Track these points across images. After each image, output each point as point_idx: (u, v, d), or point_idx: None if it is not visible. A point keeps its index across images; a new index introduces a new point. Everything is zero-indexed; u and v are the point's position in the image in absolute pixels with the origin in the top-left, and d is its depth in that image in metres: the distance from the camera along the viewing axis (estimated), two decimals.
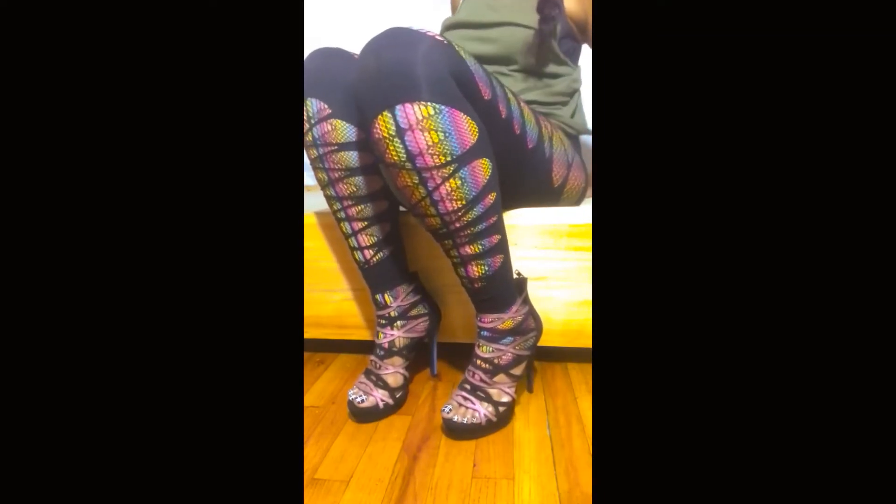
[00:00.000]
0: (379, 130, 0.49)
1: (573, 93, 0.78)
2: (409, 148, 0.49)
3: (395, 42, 0.48)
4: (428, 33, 0.50)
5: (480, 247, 0.57)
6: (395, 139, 0.49)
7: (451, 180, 0.51)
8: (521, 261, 0.76)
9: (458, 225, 0.55)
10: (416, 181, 0.51)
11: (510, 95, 0.60)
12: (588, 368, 0.81)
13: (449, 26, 0.80)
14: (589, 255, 0.74)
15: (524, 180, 0.68)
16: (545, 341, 0.77)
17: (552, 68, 0.75)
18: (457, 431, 0.62)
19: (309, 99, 0.62)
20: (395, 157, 0.50)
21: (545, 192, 0.73)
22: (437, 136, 0.48)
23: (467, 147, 0.50)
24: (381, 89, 0.47)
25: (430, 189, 0.52)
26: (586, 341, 0.77)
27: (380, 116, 0.48)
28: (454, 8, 0.95)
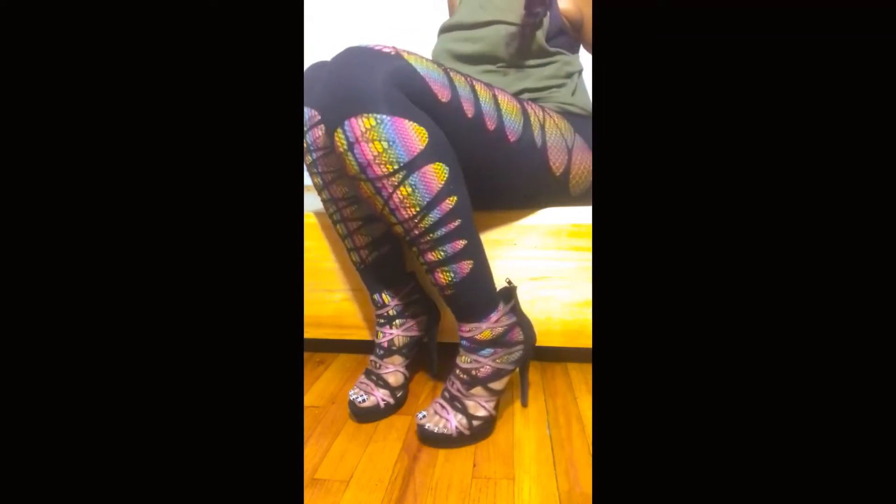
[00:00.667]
0: (337, 146, 0.52)
1: (570, 75, 0.76)
2: (359, 160, 0.51)
3: (345, 62, 0.51)
4: (377, 48, 0.52)
5: (443, 253, 0.56)
6: (349, 153, 0.51)
7: (402, 188, 0.52)
8: (522, 261, 0.76)
9: (416, 232, 0.55)
10: (373, 191, 0.53)
11: (481, 91, 0.59)
12: (588, 368, 0.81)
13: (444, 29, 0.80)
14: (589, 255, 0.74)
15: (517, 175, 0.66)
16: (545, 341, 0.77)
17: (538, 60, 0.74)
18: (427, 439, 0.61)
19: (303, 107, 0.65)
20: (352, 170, 0.52)
21: (549, 183, 0.70)
22: (381, 145, 0.50)
23: (414, 154, 0.51)
24: (333, 108, 0.50)
25: (385, 198, 0.53)
26: (586, 341, 0.77)
27: (335, 133, 0.51)
28: (452, 10, 0.95)
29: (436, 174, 0.53)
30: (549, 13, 0.72)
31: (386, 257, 0.70)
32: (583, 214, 0.73)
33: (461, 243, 0.56)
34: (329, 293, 0.83)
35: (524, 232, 0.75)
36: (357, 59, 0.51)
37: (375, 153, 0.50)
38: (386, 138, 0.50)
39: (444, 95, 0.54)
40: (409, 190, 0.52)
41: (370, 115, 0.49)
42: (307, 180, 1.27)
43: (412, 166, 0.51)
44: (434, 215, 0.54)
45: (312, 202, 0.93)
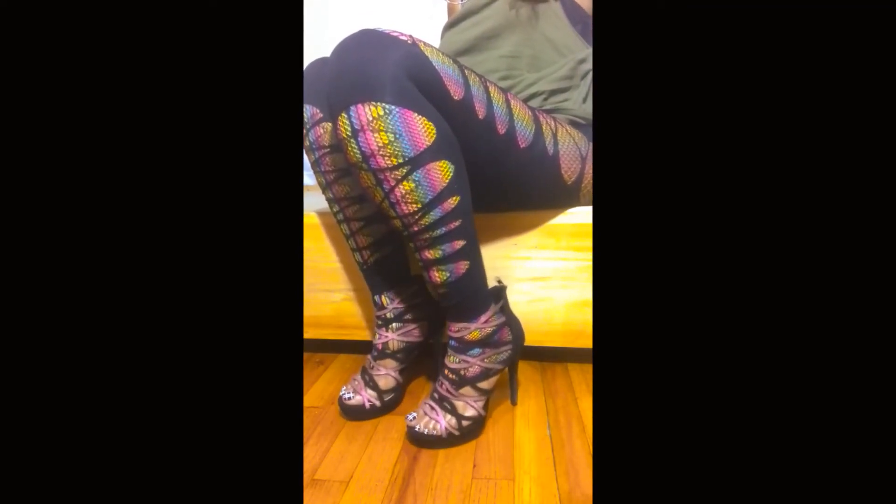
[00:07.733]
0: (340, 131, 0.50)
1: (585, 75, 0.74)
2: (363, 149, 0.49)
3: (357, 44, 0.49)
4: (393, 34, 0.50)
5: (441, 252, 0.55)
6: (352, 140, 0.49)
7: (405, 183, 0.50)
8: (522, 261, 0.75)
9: (416, 228, 0.54)
10: (374, 182, 0.51)
11: (495, 94, 0.58)
12: (588, 368, 0.81)
13: (448, 25, 0.79)
14: (589, 255, 0.73)
15: (525, 180, 0.66)
16: (545, 341, 0.77)
17: (551, 29, 0.71)
18: (418, 441, 0.61)
19: (304, 105, 0.65)
20: (354, 158, 0.50)
21: (559, 191, 0.70)
22: (388, 136, 0.48)
23: (421, 149, 0.50)
24: (341, 91, 0.48)
25: (386, 191, 0.51)
26: (586, 341, 0.77)
27: (339, 117, 0.49)
28: (451, 13, 0.95)
29: (441, 172, 0.52)
30: None
31: (388, 259, 0.70)
32: (583, 214, 0.73)
33: (460, 244, 0.56)
34: (329, 293, 0.83)
35: (524, 232, 0.75)
36: (369, 42, 0.49)
37: (381, 144, 0.49)
38: (393, 130, 0.48)
39: (456, 93, 0.53)
40: (412, 186, 0.51)
41: (378, 103, 0.47)
42: (309, 179, 1.27)
43: (417, 162, 0.50)
44: (435, 214, 0.53)
45: (314, 202, 0.93)
